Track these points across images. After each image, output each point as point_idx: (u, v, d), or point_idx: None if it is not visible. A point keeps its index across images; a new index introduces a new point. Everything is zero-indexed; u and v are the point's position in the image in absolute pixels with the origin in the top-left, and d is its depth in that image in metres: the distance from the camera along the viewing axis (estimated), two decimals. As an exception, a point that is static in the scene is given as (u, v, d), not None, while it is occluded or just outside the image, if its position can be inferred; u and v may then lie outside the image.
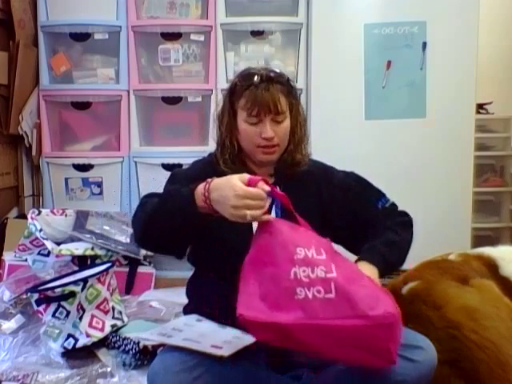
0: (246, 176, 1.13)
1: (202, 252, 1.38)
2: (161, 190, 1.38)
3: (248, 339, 1.27)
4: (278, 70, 1.41)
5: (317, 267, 1.03)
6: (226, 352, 1.18)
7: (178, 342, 1.22)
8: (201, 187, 1.15)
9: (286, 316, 1.01)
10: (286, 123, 1.37)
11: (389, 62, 2.53)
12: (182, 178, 1.39)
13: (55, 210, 2.41)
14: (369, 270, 1.23)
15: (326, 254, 1.05)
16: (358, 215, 1.40)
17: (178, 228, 1.19)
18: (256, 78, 1.35)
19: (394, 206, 1.45)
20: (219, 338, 1.25)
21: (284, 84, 1.37)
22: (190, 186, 1.18)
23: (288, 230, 1.09)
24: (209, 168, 1.42)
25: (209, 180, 1.15)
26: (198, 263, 1.45)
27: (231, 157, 1.40)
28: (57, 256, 2.24)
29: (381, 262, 1.28)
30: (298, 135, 1.41)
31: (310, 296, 1.01)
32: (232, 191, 1.09)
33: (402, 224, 1.41)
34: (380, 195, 1.44)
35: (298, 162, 1.41)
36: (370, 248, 1.31)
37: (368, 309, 1.00)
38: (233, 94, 1.39)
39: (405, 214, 1.45)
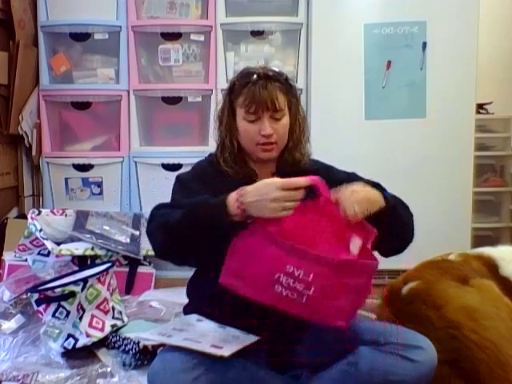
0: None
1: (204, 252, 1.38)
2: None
3: (248, 339, 1.27)
4: (276, 69, 1.42)
5: (298, 283, 1.11)
6: (226, 352, 1.18)
7: (178, 342, 1.22)
8: (233, 195, 1.17)
9: (257, 293, 1.14)
10: (285, 121, 1.37)
11: (389, 62, 2.53)
12: (191, 182, 1.39)
13: (55, 210, 2.41)
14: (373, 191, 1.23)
15: (314, 277, 1.11)
16: None
17: (205, 238, 1.19)
18: (254, 75, 1.36)
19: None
20: (219, 338, 1.25)
21: (282, 82, 1.38)
22: (215, 197, 1.20)
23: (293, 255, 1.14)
24: (210, 168, 1.43)
25: (240, 188, 1.18)
26: (198, 263, 1.45)
27: (232, 156, 1.40)
28: (57, 256, 2.24)
29: (389, 201, 1.25)
30: (297, 133, 1.41)
31: (284, 294, 1.12)
32: (272, 186, 1.13)
33: (407, 207, 1.39)
34: (381, 191, 1.43)
35: (297, 160, 1.41)
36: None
37: (321, 318, 1.12)
38: (232, 92, 1.40)
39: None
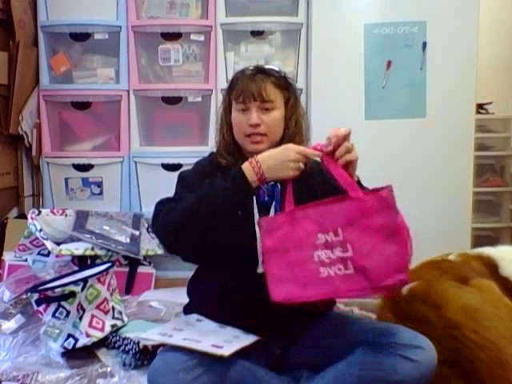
0: None
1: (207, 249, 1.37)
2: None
3: (248, 339, 1.27)
4: (274, 67, 1.46)
5: (335, 248, 1.18)
6: (226, 351, 1.18)
7: (178, 342, 1.22)
8: (246, 165, 1.24)
9: (312, 292, 1.19)
10: (276, 113, 1.39)
11: (389, 62, 2.53)
12: (192, 179, 1.40)
13: (55, 210, 2.41)
14: None
15: (343, 232, 1.18)
16: None
17: (226, 214, 1.23)
18: (248, 70, 1.42)
19: None
20: (220, 338, 1.25)
21: (276, 77, 1.41)
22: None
23: (310, 219, 1.22)
24: (210, 166, 1.45)
25: (251, 158, 1.26)
26: (209, 254, 1.45)
27: (228, 150, 1.43)
28: (57, 256, 2.24)
29: None
30: (291, 130, 1.42)
31: (332, 274, 1.18)
32: (292, 150, 1.24)
33: None
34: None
35: None
36: None
37: (381, 281, 1.14)
38: (229, 87, 1.45)
39: None
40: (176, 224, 1.26)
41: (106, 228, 2.42)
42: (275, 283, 1.21)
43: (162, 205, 1.32)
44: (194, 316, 1.39)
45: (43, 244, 2.23)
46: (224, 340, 1.25)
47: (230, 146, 1.44)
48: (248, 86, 1.37)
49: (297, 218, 1.23)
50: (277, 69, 1.45)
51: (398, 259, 1.15)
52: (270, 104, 1.37)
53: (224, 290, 1.33)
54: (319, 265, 1.19)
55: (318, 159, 1.26)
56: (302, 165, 1.24)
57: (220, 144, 1.46)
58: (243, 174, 1.23)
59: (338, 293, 1.19)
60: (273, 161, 1.24)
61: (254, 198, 1.35)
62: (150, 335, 1.33)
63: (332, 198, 1.22)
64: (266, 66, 1.45)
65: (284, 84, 1.42)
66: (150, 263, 2.50)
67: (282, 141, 1.40)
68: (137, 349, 1.64)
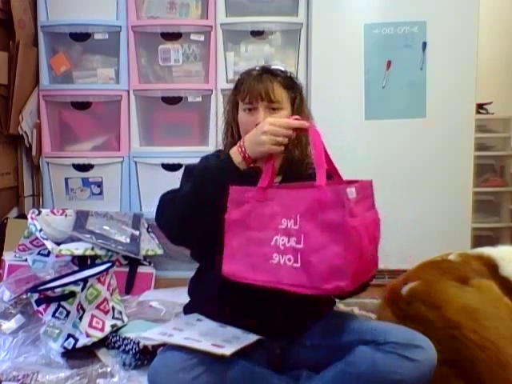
0: None
1: (208, 247, 1.37)
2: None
3: (249, 338, 1.27)
4: (280, 67, 1.45)
5: (291, 237, 1.14)
6: (227, 351, 1.18)
7: (179, 342, 1.22)
8: (234, 148, 1.27)
9: (258, 277, 1.17)
10: (283, 114, 1.38)
11: (389, 62, 2.53)
12: None
13: (55, 210, 2.41)
14: None
15: (300, 221, 1.13)
16: None
17: (218, 199, 1.23)
18: (255, 70, 1.42)
19: None
20: (220, 337, 1.25)
21: (283, 77, 1.40)
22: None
23: (279, 201, 1.18)
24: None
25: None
26: (201, 259, 1.46)
27: None
28: (57, 256, 2.24)
29: None
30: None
31: (282, 263, 1.14)
32: (266, 123, 1.24)
33: None
34: None
35: (300, 159, 1.41)
36: None
37: (319, 282, 1.09)
38: (235, 88, 1.44)
39: None
40: (175, 212, 1.28)
41: (106, 228, 2.42)
42: (229, 257, 1.20)
43: (164, 197, 1.35)
44: (195, 316, 1.40)
45: (43, 244, 2.23)
46: (224, 340, 1.25)
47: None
48: (255, 86, 1.36)
49: (268, 196, 1.19)
50: (283, 69, 1.45)
51: (340, 264, 1.07)
52: (277, 104, 1.37)
53: (224, 289, 1.33)
54: (274, 250, 1.15)
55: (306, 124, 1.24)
56: (280, 138, 1.23)
57: (227, 145, 1.45)
58: (229, 157, 1.26)
59: (280, 284, 1.14)
60: (251, 137, 1.25)
61: None
62: (151, 335, 1.33)
63: (303, 183, 1.20)
64: (273, 66, 1.45)
65: (290, 84, 1.42)
66: (150, 263, 2.50)
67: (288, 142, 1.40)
68: (137, 349, 1.64)
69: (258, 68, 1.43)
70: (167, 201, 1.33)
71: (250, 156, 1.25)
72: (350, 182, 1.18)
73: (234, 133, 1.44)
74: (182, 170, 1.49)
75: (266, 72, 1.40)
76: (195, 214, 1.26)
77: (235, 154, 1.26)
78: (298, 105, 1.42)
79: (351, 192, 1.11)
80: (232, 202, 1.23)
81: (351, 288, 1.08)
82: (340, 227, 1.08)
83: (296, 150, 1.41)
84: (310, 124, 1.24)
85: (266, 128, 1.23)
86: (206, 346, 1.20)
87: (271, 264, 1.15)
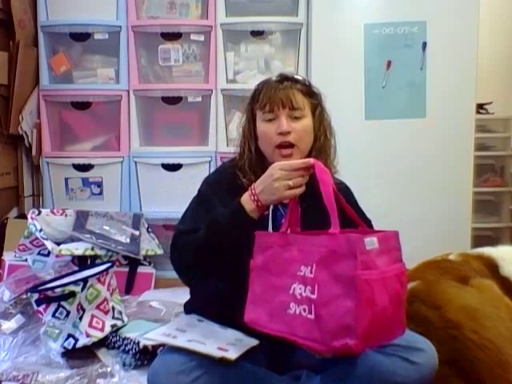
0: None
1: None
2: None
3: (250, 341, 1.27)
4: (299, 76, 1.41)
5: (307, 286, 1.08)
6: (233, 354, 1.18)
7: (183, 344, 1.22)
8: (245, 194, 1.21)
9: (275, 326, 1.13)
10: (306, 122, 1.34)
11: (389, 62, 2.53)
12: (208, 198, 1.37)
13: (55, 210, 2.41)
14: None
15: (315, 270, 1.07)
16: None
17: (231, 247, 1.21)
18: (273, 79, 1.37)
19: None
20: (223, 340, 1.25)
21: (302, 84, 1.37)
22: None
23: (298, 246, 1.13)
24: (232, 177, 1.38)
25: (251, 186, 1.22)
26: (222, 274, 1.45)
27: (252, 165, 1.36)
28: (57, 256, 2.24)
29: None
30: (321, 142, 1.37)
31: (297, 313, 1.09)
32: (274, 168, 1.17)
33: None
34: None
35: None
36: None
37: (329, 339, 1.02)
38: (252, 98, 1.39)
39: None
40: (190, 263, 1.29)
41: (106, 228, 2.42)
42: (252, 303, 1.17)
43: (180, 234, 1.32)
44: (194, 316, 1.39)
45: (43, 244, 2.23)
46: (228, 343, 1.24)
47: (254, 160, 1.37)
48: (276, 94, 1.31)
49: (288, 241, 1.15)
50: (301, 77, 1.41)
51: (349, 319, 1.00)
52: (300, 112, 1.32)
53: (225, 291, 1.33)
54: (291, 299, 1.10)
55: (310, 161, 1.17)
56: (292, 182, 1.16)
57: (244, 160, 1.38)
58: (241, 207, 1.20)
59: (293, 336, 1.09)
60: (262, 184, 1.19)
61: (270, 219, 1.31)
62: (154, 336, 1.33)
63: (321, 231, 1.11)
64: (289, 75, 1.39)
65: (310, 91, 1.38)
66: (149, 263, 2.50)
67: (309, 153, 1.35)
68: (137, 349, 1.64)
69: (276, 76, 1.39)
70: (181, 249, 1.29)
71: (264, 204, 1.19)
72: (374, 232, 1.12)
73: (251, 147, 1.37)
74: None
75: (286, 79, 1.36)
76: (211, 263, 1.26)
77: (247, 202, 1.20)
78: (320, 113, 1.38)
79: (372, 242, 1.04)
80: (257, 247, 1.19)
81: (361, 348, 1.02)
82: (351, 280, 1.01)
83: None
84: (314, 161, 1.16)
85: (278, 175, 1.16)
86: (210, 348, 1.20)
87: (288, 314, 1.10)
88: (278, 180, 1.16)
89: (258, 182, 1.21)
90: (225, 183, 1.38)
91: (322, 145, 1.37)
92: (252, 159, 1.37)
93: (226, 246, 1.23)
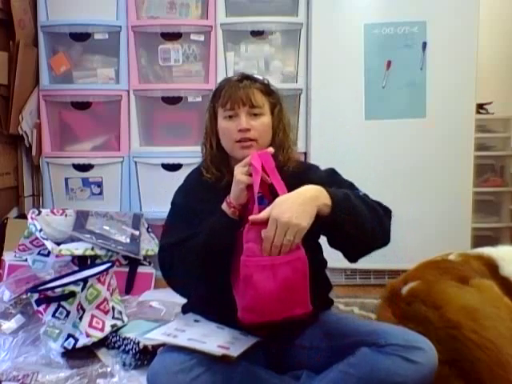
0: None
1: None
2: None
3: (248, 340, 1.27)
4: (258, 76, 1.47)
5: None
6: (234, 353, 1.19)
7: (183, 343, 1.22)
8: (224, 204, 1.28)
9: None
10: (265, 119, 1.39)
11: (389, 62, 2.53)
12: (182, 208, 1.42)
13: (55, 210, 2.41)
14: (313, 189, 1.19)
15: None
16: None
17: (226, 249, 1.25)
18: (233, 78, 1.43)
19: (366, 195, 1.35)
20: (222, 339, 1.25)
21: (261, 83, 1.42)
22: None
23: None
24: (196, 182, 1.46)
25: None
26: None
27: (215, 161, 1.42)
28: (57, 256, 2.24)
29: (341, 197, 1.19)
30: (280, 137, 1.42)
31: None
32: (236, 174, 1.27)
33: (382, 206, 1.31)
34: (353, 187, 1.37)
35: (282, 164, 1.38)
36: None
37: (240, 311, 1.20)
38: (214, 96, 1.44)
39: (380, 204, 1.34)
40: (193, 268, 1.31)
41: (106, 228, 2.42)
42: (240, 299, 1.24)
43: (170, 247, 1.35)
44: (191, 316, 1.40)
45: (43, 244, 2.23)
46: (227, 341, 1.25)
47: (216, 156, 1.42)
48: (236, 92, 1.37)
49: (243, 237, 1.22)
50: (260, 77, 1.46)
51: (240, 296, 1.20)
52: (259, 109, 1.37)
53: (221, 291, 1.33)
54: None
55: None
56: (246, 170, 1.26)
57: (206, 156, 1.45)
58: (223, 212, 1.28)
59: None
60: (232, 189, 1.28)
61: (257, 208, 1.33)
62: (155, 335, 1.33)
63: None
64: (249, 75, 1.45)
65: (269, 90, 1.43)
66: (149, 263, 2.50)
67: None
68: (137, 349, 1.64)
69: (236, 75, 1.44)
70: (184, 253, 1.31)
71: (236, 205, 1.26)
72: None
73: (212, 143, 1.43)
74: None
75: (246, 78, 1.41)
76: (207, 276, 1.30)
77: (225, 207, 1.28)
78: (279, 112, 1.42)
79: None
80: (240, 247, 1.24)
81: (248, 319, 1.17)
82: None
83: (280, 156, 1.39)
84: (251, 155, 1.26)
85: (238, 177, 1.26)
86: (211, 347, 1.20)
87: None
88: (237, 175, 1.26)
89: (231, 192, 1.29)
90: (194, 185, 1.46)
91: (281, 140, 1.42)
92: (214, 155, 1.43)
93: (224, 248, 1.25)
